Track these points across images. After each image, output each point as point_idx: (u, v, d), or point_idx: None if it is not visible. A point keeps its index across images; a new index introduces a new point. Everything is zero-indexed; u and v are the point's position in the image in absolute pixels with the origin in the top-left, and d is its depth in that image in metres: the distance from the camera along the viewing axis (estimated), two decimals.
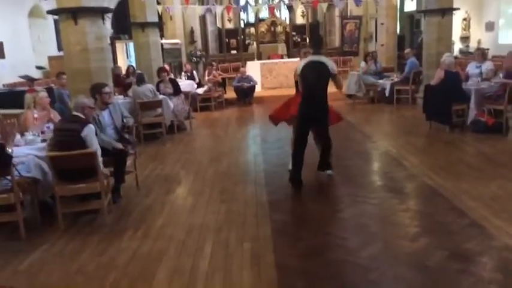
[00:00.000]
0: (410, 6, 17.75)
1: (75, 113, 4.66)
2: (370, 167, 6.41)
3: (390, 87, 10.81)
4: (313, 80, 5.16)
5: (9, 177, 4.16)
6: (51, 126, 5.42)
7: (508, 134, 6.79)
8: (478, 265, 3.36)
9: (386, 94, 10.93)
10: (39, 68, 13.66)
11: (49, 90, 8.03)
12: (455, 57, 10.67)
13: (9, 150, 4.36)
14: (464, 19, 15.79)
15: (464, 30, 16.05)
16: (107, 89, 5.45)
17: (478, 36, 15.27)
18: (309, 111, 5.22)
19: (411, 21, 19.25)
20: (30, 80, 10.74)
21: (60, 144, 4.48)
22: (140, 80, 8.52)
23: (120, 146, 5.19)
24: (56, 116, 5.84)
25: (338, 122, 5.90)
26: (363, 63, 11.72)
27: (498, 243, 3.64)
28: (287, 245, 3.89)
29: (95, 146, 4.46)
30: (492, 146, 6.57)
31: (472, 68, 8.29)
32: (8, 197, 4.16)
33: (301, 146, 5.32)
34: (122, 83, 9.86)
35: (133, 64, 12.04)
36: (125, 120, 5.66)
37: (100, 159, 4.47)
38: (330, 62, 5.26)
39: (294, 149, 5.46)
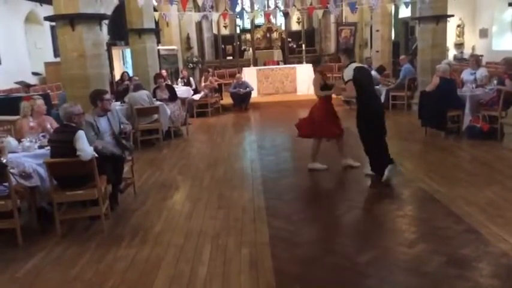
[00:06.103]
0: (405, 13, 17.88)
1: (65, 122, 4.58)
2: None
3: (385, 93, 10.88)
4: (367, 81, 5.66)
5: (6, 184, 4.15)
6: (47, 135, 5.40)
7: (503, 139, 6.84)
8: (475, 271, 3.38)
9: (382, 100, 10.96)
10: (35, 74, 13.65)
11: (45, 97, 8.04)
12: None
13: (4, 160, 4.34)
14: (459, 26, 15.95)
15: (459, 36, 16.20)
16: (107, 96, 5.47)
17: (472, 42, 15.42)
18: (379, 106, 5.78)
19: (406, 27, 19.39)
20: (26, 86, 10.73)
21: (55, 156, 4.44)
22: (137, 87, 8.61)
23: (118, 151, 5.18)
24: (52, 123, 5.82)
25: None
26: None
27: (494, 249, 3.66)
28: (285, 251, 3.90)
29: (80, 146, 4.30)
30: (487, 152, 6.62)
31: (466, 75, 8.37)
32: (5, 204, 4.15)
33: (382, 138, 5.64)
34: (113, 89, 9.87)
35: (130, 70, 12.05)
36: (122, 127, 5.65)
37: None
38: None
39: (375, 146, 5.66)
